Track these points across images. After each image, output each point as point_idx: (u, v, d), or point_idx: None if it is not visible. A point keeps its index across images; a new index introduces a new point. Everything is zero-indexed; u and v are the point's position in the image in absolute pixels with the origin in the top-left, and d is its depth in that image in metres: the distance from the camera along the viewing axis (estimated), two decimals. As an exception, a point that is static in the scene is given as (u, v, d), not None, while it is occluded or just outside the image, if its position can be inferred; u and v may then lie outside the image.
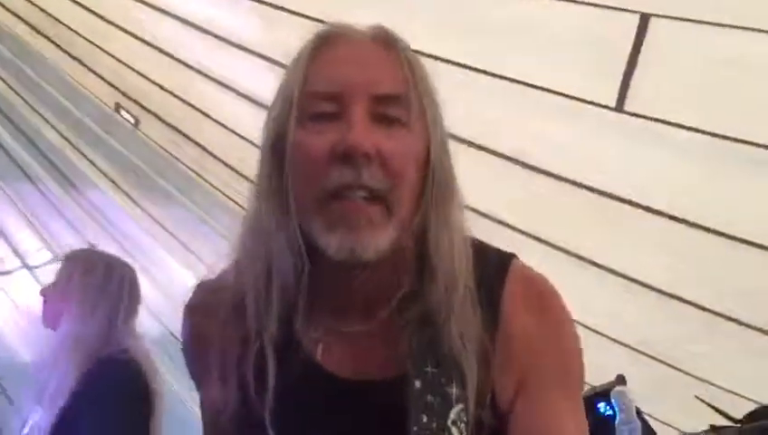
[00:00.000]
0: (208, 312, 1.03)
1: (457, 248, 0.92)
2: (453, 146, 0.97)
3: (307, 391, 0.94)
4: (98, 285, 2.46)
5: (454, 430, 0.84)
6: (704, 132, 2.65)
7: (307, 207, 0.91)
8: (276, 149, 0.95)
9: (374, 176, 0.88)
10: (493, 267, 0.96)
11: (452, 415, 0.85)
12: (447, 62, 3.03)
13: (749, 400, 2.81)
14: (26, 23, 4.83)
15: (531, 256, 1.03)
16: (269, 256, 0.93)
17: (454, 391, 0.86)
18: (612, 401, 2.62)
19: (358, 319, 0.96)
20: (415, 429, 0.84)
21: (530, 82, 2.99)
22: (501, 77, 3.06)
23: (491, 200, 3.10)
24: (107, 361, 2.30)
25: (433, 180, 0.92)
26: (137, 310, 2.58)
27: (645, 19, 2.53)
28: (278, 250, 0.92)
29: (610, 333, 3.33)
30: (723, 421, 2.28)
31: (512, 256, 0.99)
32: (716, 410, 2.20)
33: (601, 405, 2.88)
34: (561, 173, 3.18)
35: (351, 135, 0.88)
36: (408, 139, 0.91)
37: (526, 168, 3.23)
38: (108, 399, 2.22)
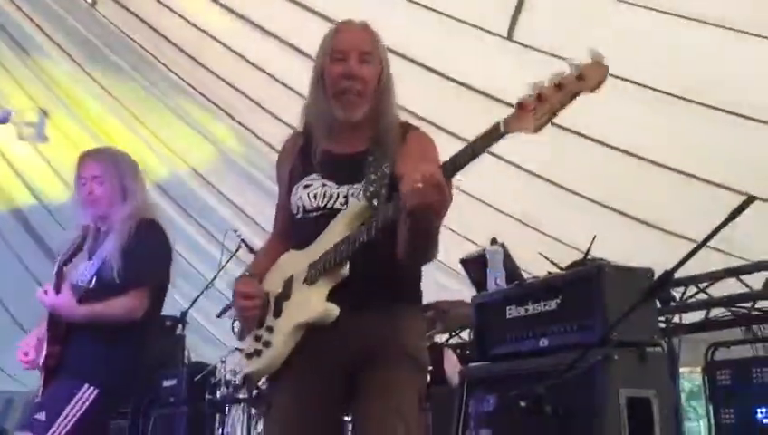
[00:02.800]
0: (290, 139, 2.27)
1: (391, 117, 2.10)
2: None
3: (320, 156, 2.12)
4: None
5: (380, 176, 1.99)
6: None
7: (332, 94, 2.07)
8: (318, 71, 2.10)
9: (358, 82, 2.03)
10: (408, 125, 2.14)
11: (383, 168, 1.99)
12: None
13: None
14: None
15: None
16: (316, 115, 2.12)
17: (385, 161, 2.01)
18: (486, 256, 3.62)
19: (348, 136, 2.10)
20: (368, 173, 1.99)
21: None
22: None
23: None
24: None
25: (382, 85, 2.08)
26: None
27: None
28: (319, 112, 2.10)
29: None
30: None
31: (416, 127, 2.15)
32: (549, 260, 3.20)
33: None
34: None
35: (349, 67, 2.04)
36: (372, 68, 2.06)
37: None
38: None
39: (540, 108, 1.57)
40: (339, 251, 1.92)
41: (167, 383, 5.52)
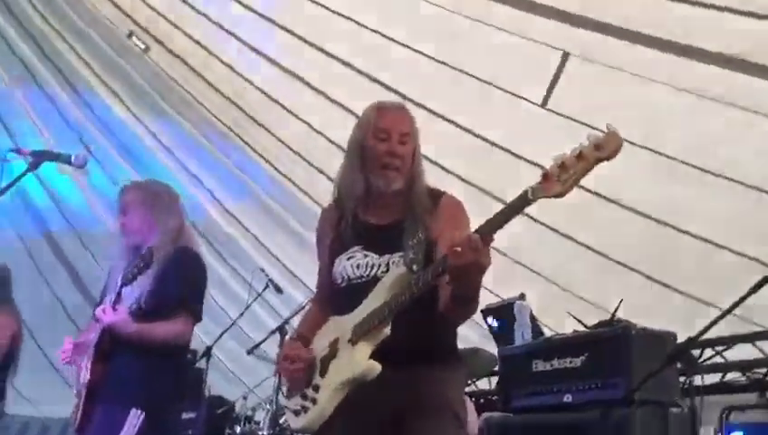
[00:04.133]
0: (325, 212, 2.45)
1: (422, 187, 2.27)
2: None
3: (358, 227, 2.28)
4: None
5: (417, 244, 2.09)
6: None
7: (373, 168, 2.25)
8: (358, 145, 2.29)
9: (398, 159, 2.23)
10: (437, 191, 2.29)
11: (419, 235, 2.10)
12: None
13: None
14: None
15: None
16: (352, 186, 2.27)
17: (419, 227, 2.13)
18: (514, 310, 3.78)
19: (383, 207, 2.27)
20: (406, 241, 2.13)
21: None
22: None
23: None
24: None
25: (415, 161, 2.27)
26: None
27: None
28: (356, 184, 2.27)
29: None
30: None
31: (445, 192, 2.32)
32: (576, 319, 3.34)
33: (493, 321, 4.18)
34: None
35: (393, 146, 2.24)
36: (409, 147, 2.26)
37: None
38: None
39: (563, 175, 1.72)
40: (381, 313, 2.06)
41: (185, 416, 5.62)
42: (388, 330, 2.07)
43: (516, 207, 1.80)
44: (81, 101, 6.72)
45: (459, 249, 1.80)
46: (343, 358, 2.15)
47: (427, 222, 2.17)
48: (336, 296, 2.29)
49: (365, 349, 2.09)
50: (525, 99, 4.26)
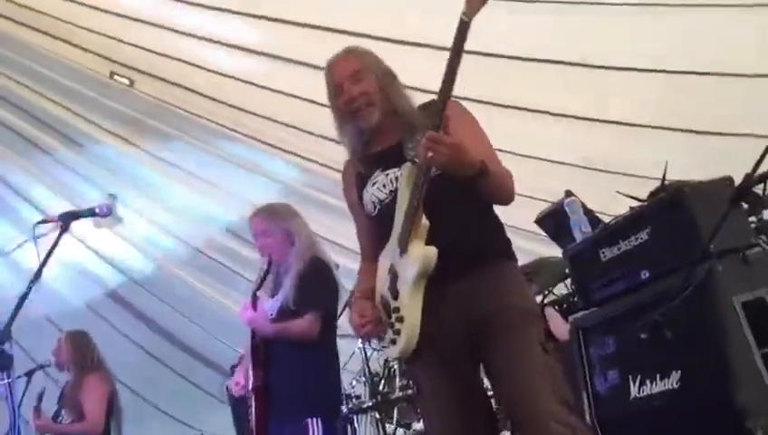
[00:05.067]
0: (345, 169, 2.55)
1: (407, 105, 2.37)
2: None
3: (371, 160, 2.41)
4: None
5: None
6: None
7: (349, 119, 2.37)
8: (334, 109, 2.42)
9: (360, 98, 2.33)
10: (438, 105, 2.18)
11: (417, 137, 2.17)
12: None
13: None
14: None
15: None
16: (350, 139, 2.42)
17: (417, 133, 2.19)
18: (565, 208, 3.71)
19: (381, 137, 2.39)
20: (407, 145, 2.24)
21: None
22: None
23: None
24: None
25: (384, 87, 2.36)
26: None
27: None
28: (350, 136, 2.41)
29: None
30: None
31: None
32: (628, 196, 3.26)
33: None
34: None
35: (347, 93, 2.35)
36: (366, 80, 2.36)
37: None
38: None
39: None
40: (410, 210, 2.16)
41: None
42: (425, 221, 2.16)
43: (458, 42, 2.02)
44: (88, 152, 6.79)
45: (424, 141, 2.05)
46: (403, 268, 2.22)
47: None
48: (377, 228, 2.37)
49: (416, 247, 2.17)
50: None
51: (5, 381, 2.22)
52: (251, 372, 3.47)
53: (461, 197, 2.20)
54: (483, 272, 2.19)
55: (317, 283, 3.46)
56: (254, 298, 3.51)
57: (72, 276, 7.83)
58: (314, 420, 3.28)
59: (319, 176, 6.06)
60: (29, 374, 5.12)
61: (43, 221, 2.84)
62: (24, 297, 2.51)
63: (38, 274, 2.50)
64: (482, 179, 2.14)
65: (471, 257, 2.19)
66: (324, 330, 3.42)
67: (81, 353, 4.99)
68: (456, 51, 2.05)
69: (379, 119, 2.33)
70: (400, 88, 2.40)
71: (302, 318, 3.38)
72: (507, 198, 2.28)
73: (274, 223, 3.62)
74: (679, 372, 2.51)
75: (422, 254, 2.14)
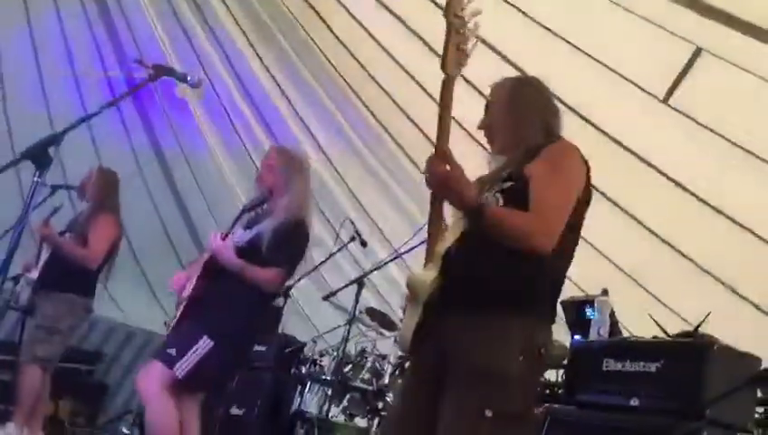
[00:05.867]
0: None
1: (519, 132, 2.33)
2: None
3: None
4: None
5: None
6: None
7: None
8: None
9: (486, 132, 2.45)
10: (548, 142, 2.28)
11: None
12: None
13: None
14: None
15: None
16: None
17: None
18: (595, 305, 3.67)
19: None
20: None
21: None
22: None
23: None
24: None
25: (503, 123, 2.39)
26: None
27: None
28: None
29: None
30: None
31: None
32: (657, 324, 3.21)
33: (588, 309, 4.01)
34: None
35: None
36: (491, 114, 2.41)
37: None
38: None
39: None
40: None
41: (257, 348, 5.80)
42: (439, 248, 2.19)
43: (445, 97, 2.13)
44: (209, 29, 6.90)
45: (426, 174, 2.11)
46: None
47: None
48: None
49: (423, 269, 2.21)
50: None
51: (36, 179, 2.28)
52: (193, 279, 3.63)
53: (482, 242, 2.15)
54: (474, 317, 2.08)
55: (295, 244, 3.65)
56: (238, 219, 3.73)
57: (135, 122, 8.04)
58: (208, 341, 3.41)
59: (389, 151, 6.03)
60: (54, 188, 5.21)
61: (139, 62, 2.92)
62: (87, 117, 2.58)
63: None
64: (472, 218, 2.10)
65: (469, 297, 2.10)
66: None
67: (105, 191, 5.07)
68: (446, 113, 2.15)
69: (498, 149, 2.43)
70: (522, 120, 2.39)
71: (269, 269, 3.55)
72: (514, 245, 2.09)
73: (283, 165, 3.78)
74: None
75: (408, 278, 2.22)
